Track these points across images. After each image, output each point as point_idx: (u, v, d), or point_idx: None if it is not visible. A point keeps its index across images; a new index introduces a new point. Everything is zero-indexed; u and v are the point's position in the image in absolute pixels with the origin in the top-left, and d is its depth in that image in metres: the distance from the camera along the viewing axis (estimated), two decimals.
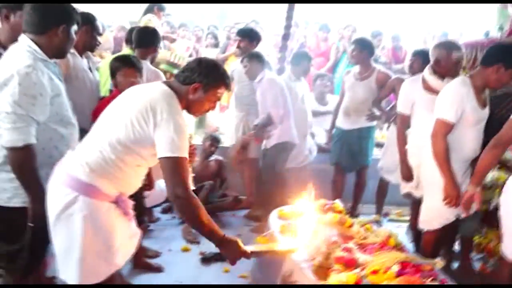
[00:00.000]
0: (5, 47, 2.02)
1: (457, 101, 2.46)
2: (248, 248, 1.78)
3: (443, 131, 2.49)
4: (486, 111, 2.55)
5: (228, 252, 1.76)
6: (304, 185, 4.04)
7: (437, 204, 2.57)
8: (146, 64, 2.92)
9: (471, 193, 2.41)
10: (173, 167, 1.65)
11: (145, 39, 3.03)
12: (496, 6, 4.02)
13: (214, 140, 4.13)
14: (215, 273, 2.96)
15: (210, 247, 3.20)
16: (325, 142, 4.32)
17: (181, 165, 1.66)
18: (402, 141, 3.10)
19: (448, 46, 2.87)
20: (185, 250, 3.27)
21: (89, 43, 2.78)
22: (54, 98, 1.77)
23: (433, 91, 2.83)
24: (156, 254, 3.14)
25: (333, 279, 1.95)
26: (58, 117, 1.82)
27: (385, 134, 4.24)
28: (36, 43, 1.77)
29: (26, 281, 1.86)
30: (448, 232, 2.75)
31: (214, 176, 4.11)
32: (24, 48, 1.75)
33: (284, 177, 3.79)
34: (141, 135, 1.65)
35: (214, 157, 4.18)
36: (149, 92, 1.74)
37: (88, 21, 2.73)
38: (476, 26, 5.28)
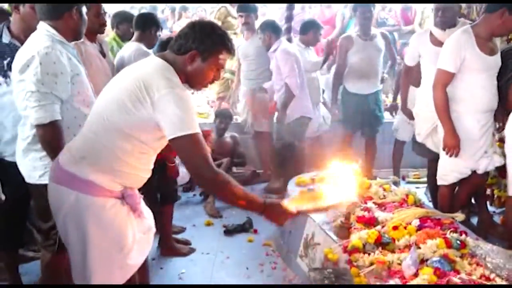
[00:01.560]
0: (17, 38, 2.09)
1: (455, 50, 2.47)
2: (293, 207, 1.60)
3: (443, 81, 2.52)
4: (495, 59, 2.51)
5: (274, 216, 1.58)
6: (320, 154, 4.11)
7: (451, 158, 2.58)
8: (139, 46, 2.90)
9: None
10: (188, 146, 1.43)
11: (139, 23, 3.01)
12: None
13: (222, 117, 4.11)
14: (239, 243, 3.05)
15: (232, 220, 3.35)
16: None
17: (196, 142, 1.43)
18: (404, 88, 3.41)
19: None
20: (208, 224, 3.36)
21: (90, 27, 2.49)
22: (74, 77, 1.85)
23: (439, 44, 2.81)
24: (181, 230, 3.24)
25: (354, 237, 2.00)
26: (80, 97, 1.89)
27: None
28: (54, 28, 1.85)
29: (62, 257, 1.95)
30: (470, 187, 2.76)
31: (230, 153, 4.15)
32: (43, 32, 1.84)
33: (300, 147, 3.82)
34: (139, 118, 1.44)
35: (229, 133, 4.22)
36: (141, 68, 1.53)
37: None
38: None
